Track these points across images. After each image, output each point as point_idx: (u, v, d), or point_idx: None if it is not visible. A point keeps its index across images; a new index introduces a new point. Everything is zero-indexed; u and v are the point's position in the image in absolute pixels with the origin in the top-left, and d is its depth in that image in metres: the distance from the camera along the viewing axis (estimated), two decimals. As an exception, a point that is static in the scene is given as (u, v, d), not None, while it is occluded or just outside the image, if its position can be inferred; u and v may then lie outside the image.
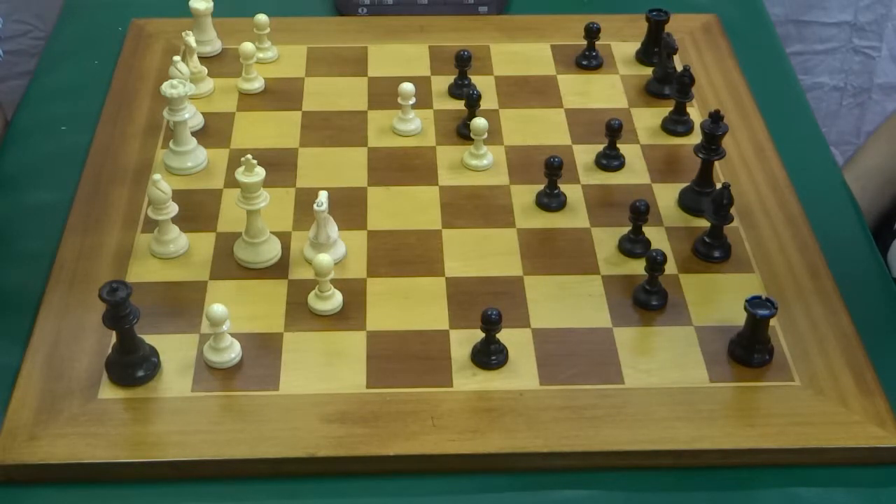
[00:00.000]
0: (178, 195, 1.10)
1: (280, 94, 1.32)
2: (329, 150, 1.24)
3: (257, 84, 1.32)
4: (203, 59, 1.36)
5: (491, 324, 0.98)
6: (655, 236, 1.12)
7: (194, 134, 1.22)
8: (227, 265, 1.09)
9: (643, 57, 1.38)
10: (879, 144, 1.46)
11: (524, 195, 1.18)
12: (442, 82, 1.33)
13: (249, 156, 1.06)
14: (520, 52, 1.39)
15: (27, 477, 0.92)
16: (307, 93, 1.32)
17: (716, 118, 1.13)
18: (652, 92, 1.33)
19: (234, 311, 0.99)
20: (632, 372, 0.99)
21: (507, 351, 1.00)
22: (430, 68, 1.36)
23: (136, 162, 1.21)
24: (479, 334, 0.99)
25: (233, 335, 0.99)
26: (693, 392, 0.98)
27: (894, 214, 1.39)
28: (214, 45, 1.38)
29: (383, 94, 1.30)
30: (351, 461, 0.93)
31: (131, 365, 0.97)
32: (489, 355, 0.99)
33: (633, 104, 1.31)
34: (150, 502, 0.91)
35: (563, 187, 1.17)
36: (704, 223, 1.11)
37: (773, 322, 1.01)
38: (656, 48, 1.35)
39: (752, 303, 0.98)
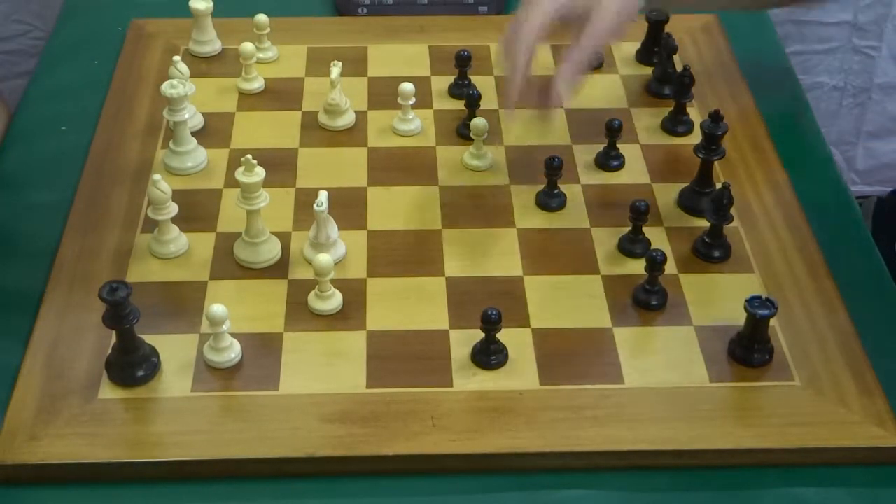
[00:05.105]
0: (178, 195, 1.10)
1: (280, 94, 1.32)
2: (329, 150, 1.24)
3: (257, 84, 1.32)
4: (203, 59, 1.36)
5: (491, 324, 0.98)
6: (655, 236, 1.12)
7: (194, 134, 1.22)
8: (227, 265, 1.09)
9: (643, 57, 1.37)
10: None
11: (524, 195, 1.17)
12: (442, 82, 1.33)
13: (249, 156, 1.06)
14: (520, 52, 1.39)
15: (27, 477, 0.92)
16: (307, 93, 1.32)
17: (716, 118, 1.13)
18: (652, 92, 1.33)
19: (234, 311, 0.99)
20: (632, 372, 0.99)
21: (507, 351, 1.00)
22: (430, 68, 1.36)
23: (136, 162, 1.21)
24: (479, 334, 0.99)
25: (233, 335, 0.99)
26: (693, 392, 0.98)
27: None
28: (214, 45, 1.38)
29: (383, 94, 1.30)
30: (351, 461, 0.93)
31: (131, 365, 0.97)
32: (489, 355, 0.99)
33: (633, 104, 1.31)
34: (150, 502, 0.91)
35: (563, 187, 1.17)
36: (704, 223, 1.11)
37: (773, 322, 1.01)
38: (656, 48, 1.35)
39: (752, 303, 0.98)
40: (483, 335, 0.99)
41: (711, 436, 0.95)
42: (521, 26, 1.04)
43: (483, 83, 1.31)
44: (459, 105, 1.27)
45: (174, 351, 1.00)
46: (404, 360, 1.00)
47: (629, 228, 1.11)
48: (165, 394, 0.97)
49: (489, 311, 0.97)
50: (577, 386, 0.98)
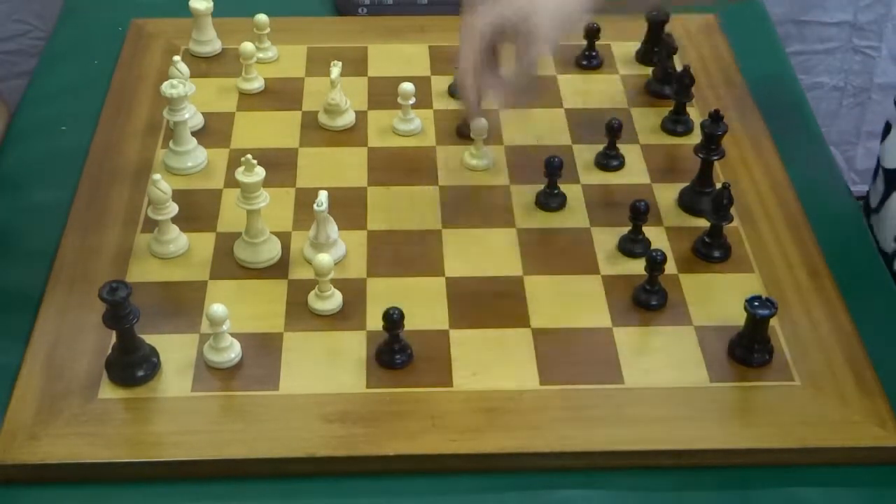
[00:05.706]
0: (178, 195, 1.10)
1: (280, 94, 1.32)
2: (329, 150, 1.24)
3: (257, 84, 1.32)
4: (203, 59, 1.36)
5: (392, 323, 0.97)
6: (655, 236, 1.12)
7: (194, 134, 1.22)
8: (227, 265, 1.09)
9: (643, 57, 1.37)
10: None
11: (524, 195, 1.17)
12: (442, 82, 1.33)
13: (249, 156, 1.06)
14: (520, 52, 1.39)
15: (27, 477, 0.92)
16: (307, 93, 1.32)
17: (716, 118, 1.13)
18: (652, 92, 1.32)
19: (234, 311, 0.99)
20: (632, 372, 0.99)
21: (411, 350, 0.99)
22: (430, 68, 1.36)
23: (136, 162, 1.21)
24: (479, 334, 1.00)
25: (233, 335, 0.99)
26: (693, 392, 0.98)
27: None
28: (214, 45, 1.38)
29: (383, 94, 1.30)
30: (351, 461, 0.93)
31: (131, 365, 0.97)
32: (393, 354, 0.99)
33: (633, 104, 1.31)
34: (150, 502, 0.91)
35: (563, 187, 1.17)
36: (704, 223, 1.11)
37: (773, 322, 1.01)
38: (656, 48, 1.35)
39: (752, 303, 0.98)
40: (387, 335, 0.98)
41: (711, 436, 0.95)
42: (461, 51, 1.06)
43: (483, 83, 1.31)
44: (459, 105, 1.27)
45: (174, 351, 1.00)
46: (404, 360, 1.00)
47: (629, 228, 1.11)
48: (165, 394, 0.97)
49: (391, 310, 0.97)
50: (577, 386, 0.98)
